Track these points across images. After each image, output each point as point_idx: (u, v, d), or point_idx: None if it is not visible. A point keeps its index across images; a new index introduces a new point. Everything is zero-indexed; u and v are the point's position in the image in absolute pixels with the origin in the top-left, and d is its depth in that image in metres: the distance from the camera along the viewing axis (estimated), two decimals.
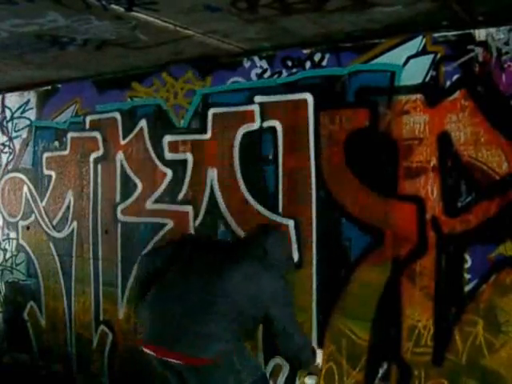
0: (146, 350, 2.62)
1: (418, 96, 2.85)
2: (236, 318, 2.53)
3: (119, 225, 3.95)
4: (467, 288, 2.75)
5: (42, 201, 4.40)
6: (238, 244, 3.02)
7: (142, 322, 2.70)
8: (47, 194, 4.37)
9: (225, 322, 2.51)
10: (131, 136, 3.89)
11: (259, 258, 2.70)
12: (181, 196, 3.64)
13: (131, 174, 3.89)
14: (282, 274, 2.75)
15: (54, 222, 4.32)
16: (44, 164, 4.39)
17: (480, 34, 2.70)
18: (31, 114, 4.49)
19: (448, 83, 2.78)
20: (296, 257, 3.18)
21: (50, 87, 4.34)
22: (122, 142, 3.93)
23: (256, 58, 3.34)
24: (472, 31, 2.71)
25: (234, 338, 2.54)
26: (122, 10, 2.53)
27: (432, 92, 2.82)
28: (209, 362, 2.46)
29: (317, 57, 3.15)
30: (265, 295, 2.59)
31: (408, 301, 2.90)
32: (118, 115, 3.95)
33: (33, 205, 4.46)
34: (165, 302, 2.64)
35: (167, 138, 3.71)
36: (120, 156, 3.94)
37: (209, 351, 2.47)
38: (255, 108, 3.33)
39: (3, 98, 4.68)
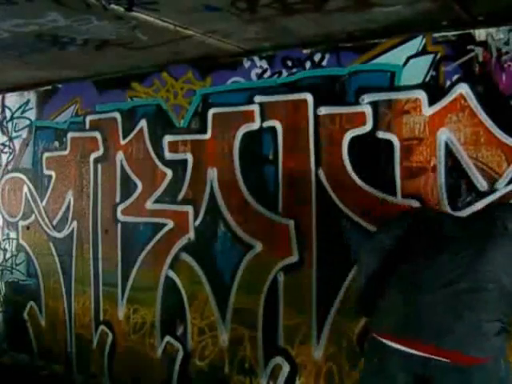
0: (392, 343, 2.20)
1: (418, 96, 2.85)
2: (504, 307, 2.17)
3: (119, 225, 3.95)
4: None
5: (42, 201, 4.40)
6: (473, 220, 2.53)
7: (384, 311, 2.31)
8: (47, 194, 4.37)
9: (496, 313, 2.16)
10: (131, 136, 3.89)
11: (502, 234, 2.26)
12: (181, 196, 3.64)
13: (131, 174, 3.89)
14: None
15: (54, 222, 4.32)
16: (44, 164, 4.39)
17: (480, 34, 2.70)
18: (31, 114, 4.49)
19: (448, 83, 2.78)
20: (296, 257, 3.19)
21: (50, 87, 4.35)
22: (122, 142, 3.94)
23: (256, 58, 3.34)
24: (472, 31, 2.71)
25: (503, 332, 2.18)
26: (122, 9, 2.53)
27: (432, 92, 2.82)
28: (482, 361, 2.11)
29: (317, 57, 3.15)
30: None
31: None
32: (118, 115, 3.95)
33: (33, 205, 4.46)
34: (419, 290, 2.23)
35: (167, 138, 3.71)
36: (120, 156, 3.94)
37: (484, 349, 2.12)
38: (255, 108, 3.33)
39: (3, 98, 4.69)
